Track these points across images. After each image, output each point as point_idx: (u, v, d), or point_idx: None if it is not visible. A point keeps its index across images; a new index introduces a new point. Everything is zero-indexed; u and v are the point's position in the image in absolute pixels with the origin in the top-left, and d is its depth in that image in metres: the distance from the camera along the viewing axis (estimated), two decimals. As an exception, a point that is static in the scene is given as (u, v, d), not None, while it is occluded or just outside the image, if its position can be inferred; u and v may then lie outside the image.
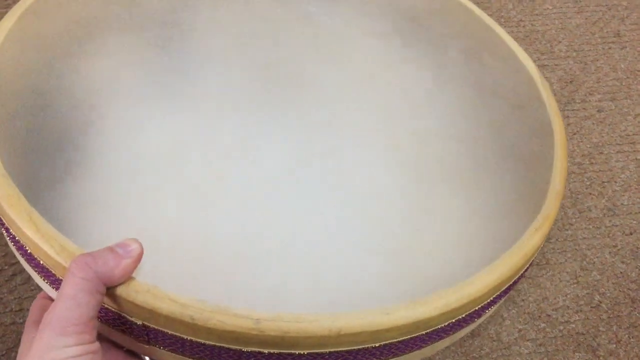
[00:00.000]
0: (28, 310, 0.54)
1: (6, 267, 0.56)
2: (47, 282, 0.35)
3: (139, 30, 0.47)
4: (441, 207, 0.40)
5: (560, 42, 0.83)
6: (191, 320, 0.30)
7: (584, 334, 0.54)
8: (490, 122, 0.46)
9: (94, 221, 0.34)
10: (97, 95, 0.41)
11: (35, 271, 0.35)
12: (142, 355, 0.36)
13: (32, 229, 0.32)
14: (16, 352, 0.52)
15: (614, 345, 0.54)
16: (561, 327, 0.55)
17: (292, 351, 0.32)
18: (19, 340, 0.53)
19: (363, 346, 0.33)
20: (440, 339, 0.37)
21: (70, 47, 0.44)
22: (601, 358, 0.53)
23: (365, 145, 0.43)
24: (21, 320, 0.54)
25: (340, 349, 0.33)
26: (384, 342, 0.34)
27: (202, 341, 0.32)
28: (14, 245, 0.36)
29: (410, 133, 0.44)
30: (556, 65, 0.80)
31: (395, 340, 0.34)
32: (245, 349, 0.32)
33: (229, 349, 0.32)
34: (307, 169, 0.40)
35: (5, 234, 0.37)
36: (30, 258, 0.35)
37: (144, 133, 0.40)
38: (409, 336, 0.34)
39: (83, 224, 0.33)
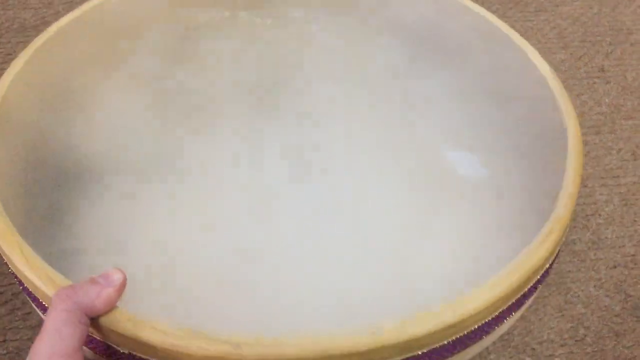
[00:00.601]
0: (12, 340, 0.54)
1: (-10, 298, 0.56)
2: (40, 311, 0.36)
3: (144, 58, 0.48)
4: (443, 220, 0.40)
5: (545, 76, 0.85)
6: (172, 347, 0.31)
7: (568, 368, 0.55)
8: (504, 128, 0.45)
9: (85, 251, 0.35)
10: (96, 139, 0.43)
11: (31, 300, 0.37)
12: None
13: (21, 261, 0.33)
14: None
15: (599, 380, 0.54)
16: (546, 361, 0.55)
17: None
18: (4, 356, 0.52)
19: None
20: (444, 358, 0.35)
21: (74, 89, 0.45)
22: (586, 392, 0.53)
23: (366, 159, 0.43)
24: (4, 351, 0.53)
25: None
26: None
27: None
28: (14, 277, 0.37)
29: (414, 143, 0.44)
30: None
31: None
32: None
33: None
34: (305, 189, 0.41)
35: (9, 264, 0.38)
36: (23, 288, 0.36)
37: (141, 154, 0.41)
38: (403, 356, 0.33)
39: (74, 256, 0.34)
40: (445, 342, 0.33)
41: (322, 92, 0.48)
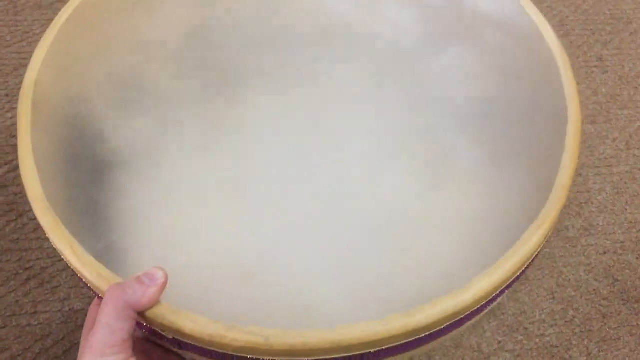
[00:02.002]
0: (42, 312, 0.58)
1: (21, 272, 0.60)
2: (92, 293, 0.39)
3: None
4: (445, 209, 0.43)
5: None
6: (210, 337, 0.35)
7: (557, 347, 0.59)
8: (508, 111, 0.45)
9: (127, 247, 0.38)
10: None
11: (83, 283, 0.40)
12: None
13: (73, 257, 0.37)
14: (32, 352, 0.56)
15: (585, 358, 0.59)
16: (537, 340, 0.59)
17: (300, 358, 0.36)
18: (34, 340, 0.56)
19: (364, 352, 0.37)
20: (439, 337, 0.40)
21: (102, 74, 0.47)
22: (572, 369, 0.58)
23: (371, 147, 0.46)
24: (36, 322, 0.57)
25: (343, 354, 0.36)
26: (384, 347, 0.37)
27: (225, 352, 0.36)
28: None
29: (420, 130, 0.47)
30: None
31: (394, 344, 0.37)
32: (261, 358, 0.36)
33: (249, 358, 0.36)
34: (315, 186, 0.44)
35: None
36: (74, 273, 0.39)
37: (174, 165, 0.44)
38: (407, 340, 0.37)
39: (117, 250, 0.38)
40: (444, 326, 0.38)
41: (336, 74, 0.49)
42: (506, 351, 0.58)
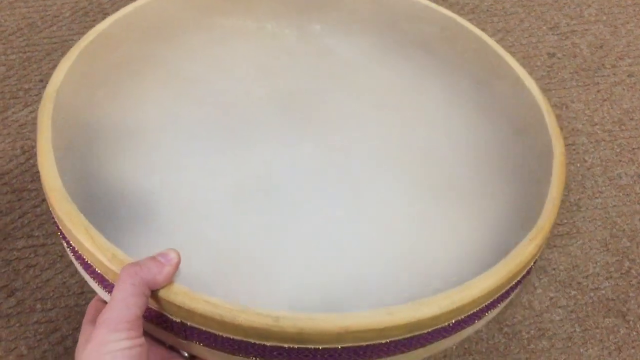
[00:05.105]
0: (89, 292, 0.59)
1: (66, 253, 0.61)
2: (100, 287, 0.41)
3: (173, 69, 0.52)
4: (444, 219, 0.45)
5: (590, 5, 0.83)
6: (220, 318, 0.35)
7: (613, 300, 0.57)
8: (495, 144, 0.50)
9: (139, 234, 0.40)
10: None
11: (91, 277, 0.41)
12: (182, 351, 0.41)
13: (89, 241, 0.38)
14: (79, 332, 0.57)
15: (644, 310, 0.56)
16: (591, 294, 0.57)
17: (309, 346, 0.37)
18: (82, 321, 0.57)
19: (371, 342, 0.37)
20: (443, 337, 0.41)
21: (116, 86, 0.50)
22: (630, 322, 0.55)
23: (376, 163, 0.48)
24: (83, 302, 0.58)
25: (351, 344, 0.37)
26: (390, 339, 0.38)
27: (231, 336, 0.37)
28: (73, 255, 0.42)
29: (419, 151, 0.49)
30: (586, 30, 0.81)
31: (401, 337, 0.38)
32: (268, 344, 0.37)
33: (254, 343, 0.37)
34: (323, 188, 0.46)
35: (66, 246, 0.42)
36: (87, 266, 0.40)
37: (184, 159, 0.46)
38: (412, 334, 0.38)
39: (130, 237, 0.40)
40: (446, 324, 0.39)
41: (337, 104, 0.53)
42: (559, 307, 0.56)
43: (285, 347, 0.37)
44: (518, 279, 0.42)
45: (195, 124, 0.49)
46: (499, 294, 0.41)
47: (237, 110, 0.50)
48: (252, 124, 0.50)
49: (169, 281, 0.36)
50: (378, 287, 0.41)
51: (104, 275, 0.39)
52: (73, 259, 0.43)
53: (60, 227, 0.41)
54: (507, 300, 0.44)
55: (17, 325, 0.57)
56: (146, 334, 0.39)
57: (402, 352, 0.39)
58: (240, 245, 0.42)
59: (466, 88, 0.54)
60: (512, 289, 0.43)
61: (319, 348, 0.37)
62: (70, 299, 0.58)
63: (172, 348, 0.41)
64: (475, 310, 0.40)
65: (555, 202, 0.44)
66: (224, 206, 0.44)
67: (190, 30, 0.55)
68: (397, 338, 0.38)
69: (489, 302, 0.41)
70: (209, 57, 0.54)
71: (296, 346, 0.37)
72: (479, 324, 0.43)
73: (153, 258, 0.36)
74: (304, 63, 0.55)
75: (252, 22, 0.57)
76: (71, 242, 0.40)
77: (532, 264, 0.43)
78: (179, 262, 0.37)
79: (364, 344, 0.37)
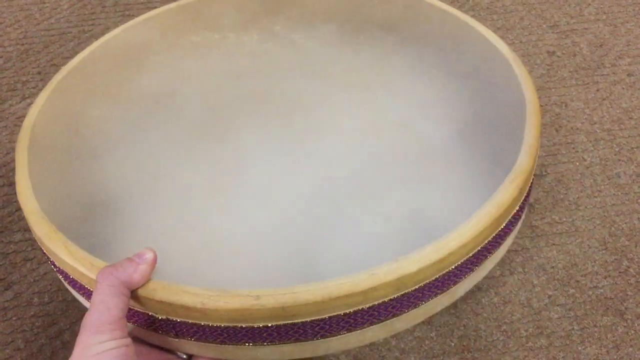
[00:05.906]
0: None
1: (63, 247, 0.60)
2: (84, 298, 0.42)
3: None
4: (425, 174, 0.45)
5: (590, 4, 0.83)
6: (202, 305, 0.36)
7: (612, 299, 0.57)
8: (469, 102, 0.51)
9: (118, 239, 0.42)
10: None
11: (77, 292, 0.42)
12: (179, 353, 0.42)
13: (68, 256, 0.39)
14: (78, 326, 0.56)
15: (642, 309, 0.56)
16: (590, 293, 0.57)
17: (295, 321, 0.37)
18: (81, 315, 0.57)
19: (358, 307, 0.37)
20: (435, 295, 0.40)
21: (90, 111, 0.52)
22: (629, 321, 0.55)
23: (350, 138, 0.49)
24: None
25: (337, 312, 0.37)
26: (377, 302, 0.37)
27: (218, 324, 0.37)
28: (59, 273, 0.43)
29: (392, 121, 0.50)
30: (585, 28, 0.81)
31: (388, 298, 0.37)
32: (255, 325, 0.36)
33: (241, 327, 0.37)
34: (296, 171, 0.47)
35: (52, 266, 0.44)
36: (71, 281, 0.41)
37: (157, 158, 0.48)
38: (400, 293, 0.37)
39: (109, 244, 0.42)
40: (433, 279, 0.38)
41: (308, 91, 0.54)
42: (557, 305, 0.56)
43: (272, 326, 0.37)
44: (503, 225, 0.41)
45: (170, 131, 0.51)
46: (482, 244, 0.40)
47: (210, 113, 0.52)
48: (226, 123, 0.51)
49: (147, 279, 0.37)
50: (361, 254, 0.40)
51: (87, 287, 0.40)
52: (60, 276, 0.44)
53: (43, 249, 0.43)
54: (496, 253, 0.43)
55: (14, 318, 0.56)
56: (143, 341, 0.41)
57: (395, 314, 0.38)
58: (216, 234, 0.42)
59: (430, 56, 0.56)
60: (500, 237, 0.42)
61: (307, 321, 0.37)
62: (68, 293, 0.58)
63: (168, 351, 0.42)
64: (461, 262, 0.39)
65: (532, 144, 0.44)
66: (199, 200, 0.45)
67: (160, 51, 0.58)
68: (384, 299, 0.37)
69: (474, 252, 0.40)
70: (180, 71, 0.56)
71: (282, 323, 0.36)
72: (469, 280, 0.42)
73: (128, 259, 0.37)
74: (268, 61, 0.57)
75: (215, 33, 0.60)
76: (54, 261, 0.42)
77: (516, 208, 0.43)
78: (154, 260, 0.38)
79: (350, 310, 0.37)
